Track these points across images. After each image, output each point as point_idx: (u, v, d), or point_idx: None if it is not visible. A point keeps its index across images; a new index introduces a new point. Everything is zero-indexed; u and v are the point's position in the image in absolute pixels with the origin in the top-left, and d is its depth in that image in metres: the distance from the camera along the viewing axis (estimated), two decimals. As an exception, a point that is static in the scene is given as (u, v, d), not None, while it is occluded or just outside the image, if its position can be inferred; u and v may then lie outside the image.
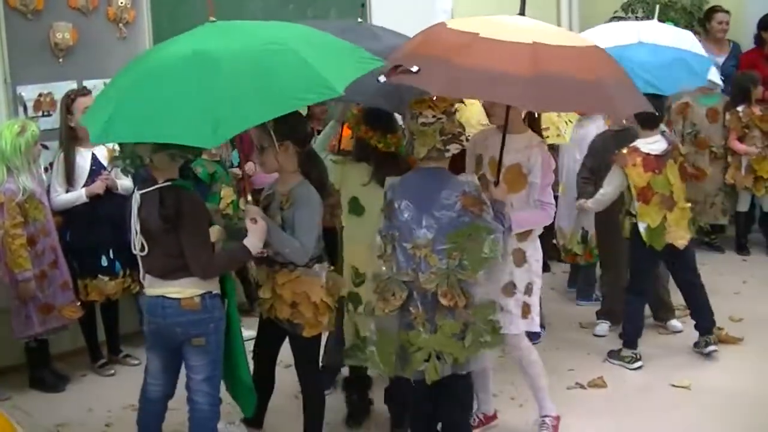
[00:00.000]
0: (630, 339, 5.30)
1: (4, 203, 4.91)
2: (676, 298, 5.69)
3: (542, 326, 4.99)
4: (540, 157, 4.10)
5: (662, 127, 5.32)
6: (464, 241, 3.61)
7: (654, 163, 5.06)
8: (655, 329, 5.69)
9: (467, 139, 3.75)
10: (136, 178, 4.10)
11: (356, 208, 4.28)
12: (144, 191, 3.70)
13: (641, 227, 5.08)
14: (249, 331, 5.92)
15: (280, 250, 3.90)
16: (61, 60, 5.54)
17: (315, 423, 4.25)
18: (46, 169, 5.34)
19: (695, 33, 7.77)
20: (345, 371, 4.76)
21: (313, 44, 3.60)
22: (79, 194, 5.24)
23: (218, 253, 3.83)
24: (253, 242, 3.76)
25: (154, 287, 3.77)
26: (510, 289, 4.15)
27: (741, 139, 7.18)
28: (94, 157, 5.28)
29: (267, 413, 4.40)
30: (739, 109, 7.16)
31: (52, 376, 5.39)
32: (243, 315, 6.22)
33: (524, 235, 4.15)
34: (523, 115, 4.20)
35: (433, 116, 3.66)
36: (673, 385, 4.96)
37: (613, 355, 5.33)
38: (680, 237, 5.13)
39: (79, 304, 5.27)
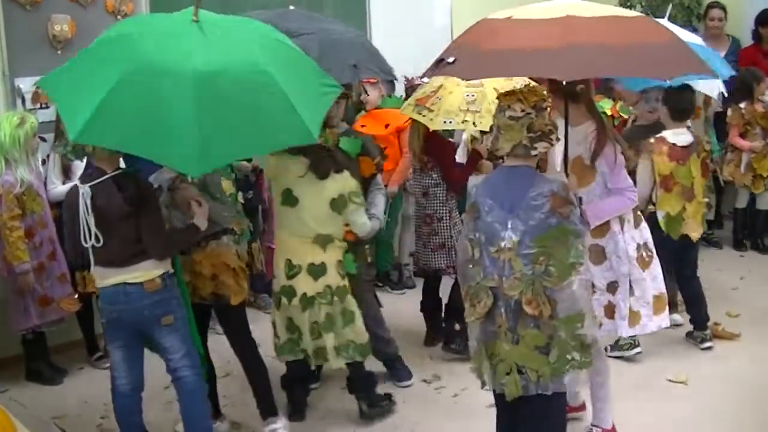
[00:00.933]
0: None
1: (2, 195, 4.92)
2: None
3: None
4: (599, 149, 3.95)
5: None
6: (552, 245, 3.34)
7: (679, 153, 5.17)
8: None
9: (558, 139, 3.51)
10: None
11: (290, 199, 4.32)
12: (94, 183, 3.75)
13: (660, 215, 5.18)
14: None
15: (218, 219, 4.10)
16: (59, 52, 5.54)
17: (265, 386, 4.40)
18: (43, 162, 5.34)
19: (694, 30, 7.81)
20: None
21: (291, 73, 3.56)
22: (76, 186, 5.23)
23: (172, 234, 3.96)
24: (202, 221, 3.96)
25: (111, 277, 3.82)
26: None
27: (742, 136, 7.15)
28: (91, 149, 5.26)
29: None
30: (742, 105, 7.12)
31: (49, 368, 5.39)
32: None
33: (601, 231, 4.00)
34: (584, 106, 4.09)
35: (522, 110, 3.39)
36: (670, 380, 4.96)
37: (611, 350, 5.33)
38: (694, 230, 5.25)
39: (76, 296, 5.26)
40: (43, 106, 5.50)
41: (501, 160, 3.71)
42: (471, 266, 3.51)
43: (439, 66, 3.79)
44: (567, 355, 3.37)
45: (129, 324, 3.89)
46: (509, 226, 3.38)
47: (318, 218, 4.31)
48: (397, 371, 5.02)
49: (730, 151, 7.23)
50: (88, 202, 3.73)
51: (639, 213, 4.21)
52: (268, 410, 4.44)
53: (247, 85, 3.36)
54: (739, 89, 7.12)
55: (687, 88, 5.31)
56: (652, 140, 5.22)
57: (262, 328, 4.74)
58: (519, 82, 4.59)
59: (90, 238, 3.75)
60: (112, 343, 3.99)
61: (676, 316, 5.79)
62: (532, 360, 3.37)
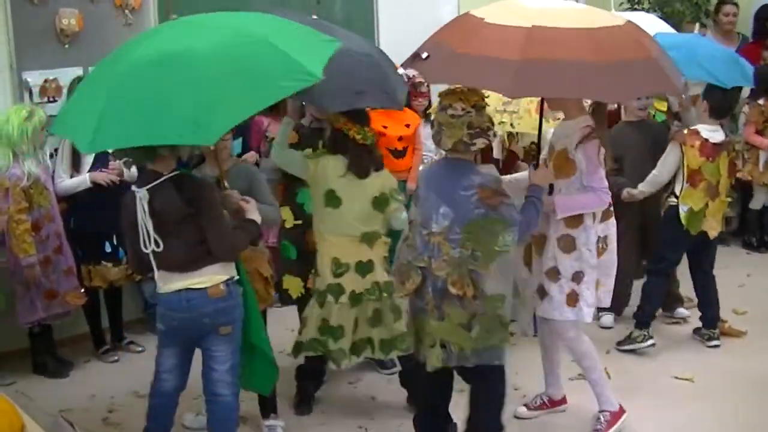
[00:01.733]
0: (645, 319, 5.34)
1: (9, 188, 4.92)
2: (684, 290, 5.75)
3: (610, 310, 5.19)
4: (580, 140, 4.07)
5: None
6: (478, 232, 3.61)
7: (710, 150, 5.12)
8: (659, 322, 5.66)
9: (495, 135, 3.75)
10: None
11: (333, 200, 4.29)
12: (151, 185, 3.64)
13: (682, 209, 5.15)
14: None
15: (265, 216, 4.07)
16: (66, 46, 5.53)
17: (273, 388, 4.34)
18: (51, 156, 5.34)
19: (703, 26, 7.77)
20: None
21: (280, 32, 3.60)
22: (83, 179, 5.24)
23: (235, 232, 3.83)
24: (256, 215, 3.92)
25: (173, 282, 3.71)
26: (554, 274, 4.15)
27: (759, 133, 7.09)
28: (99, 143, 5.27)
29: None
30: (761, 102, 7.06)
31: (56, 361, 5.40)
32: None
33: (575, 222, 4.11)
34: (588, 103, 4.23)
35: (463, 109, 3.64)
36: (676, 378, 4.96)
37: (622, 342, 5.35)
38: (713, 227, 5.22)
39: (82, 290, 5.28)
40: (51, 99, 5.49)
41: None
42: (406, 246, 3.82)
43: (415, 60, 3.86)
44: (487, 332, 3.66)
45: (187, 332, 3.79)
46: (441, 212, 3.67)
47: (361, 217, 4.31)
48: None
49: (746, 149, 7.11)
50: (146, 206, 3.62)
51: (611, 209, 4.27)
52: (269, 408, 4.46)
53: (228, 51, 3.39)
54: (758, 86, 7.03)
55: (734, 88, 5.27)
56: (685, 131, 5.19)
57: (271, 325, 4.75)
58: None
59: (150, 244, 3.64)
60: (166, 349, 3.88)
61: (682, 310, 5.81)
62: (454, 335, 3.66)
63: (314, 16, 4.64)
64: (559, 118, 4.53)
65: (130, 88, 3.37)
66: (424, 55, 3.74)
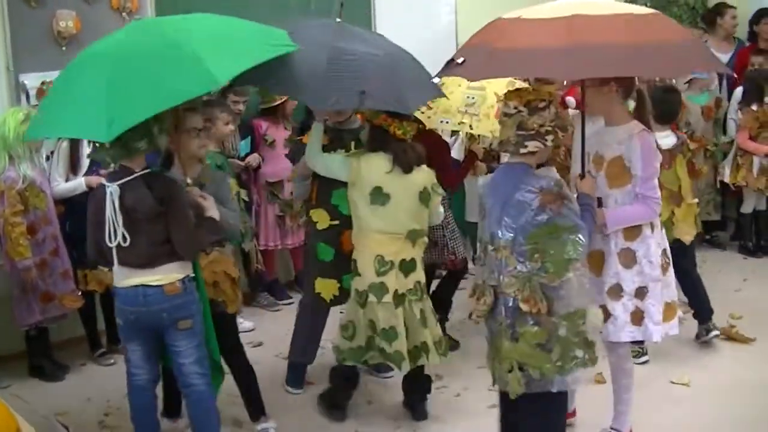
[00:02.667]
0: None
1: (4, 191, 4.91)
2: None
3: None
4: (640, 146, 3.82)
5: None
6: (545, 241, 3.37)
7: (665, 158, 5.01)
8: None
9: (553, 140, 3.51)
10: None
11: (379, 197, 4.28)
12: (123, 181, 3.69)
13: None
14: (248, 322, 5.98)
15: (224, 218, 4.02)
16: (64, 48, 5.52)
17: (255, 389, 4.41)
18: (47, 158, 5.33)
19: (700, 30, 7.77)
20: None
21: (215, 36, 3.73)
22: (79, 183, 5.24)
23: (198, 231, 3.88)
24: (214, 211, 3.94)
25: (131, 277, 3.77)
26: (616, 291, 3.89)
27: (753, 139, 7.08)
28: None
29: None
30: (754, 107, 7.06)
31: (52, 364, 5.39)
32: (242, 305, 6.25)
33: (634, 234, 3.88)
34: (631, 107, 4.08)
35: (515, 107, 3.47)
36: (673, 382, 4.95)
37: None
38: (687, 233, 5.19)
39: (79, 293, 5.26)
40: (48, 102, 5.50)
41: (497, 162, 3.75)
42: (480, 265, 3.60)
43: (450, 66, 3.80)
44: (570, 352, 3.39)
45: (146, 326, 3.84)
46: (503, 223, 3.45)
47: (410, 212, 4.31)
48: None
49: (739, 155, 7.07)
50: (116, 201, 3.68)
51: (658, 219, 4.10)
52: (258, 411, 4.45)
53: (147, 52, 3.59)
54: (750, 90, 7.05)
55: (674, 90, 5.26)
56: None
57: (264, 327, 4.74)
58: (520, 84, 4.61)
59: (115, 238, 3.70)
60: (130, 343, 3.93)
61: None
62: (533, 357, 3.40)
63: (338, 19, 4.56)
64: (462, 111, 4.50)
65: (65, 83, 3.70)
66: (460, 60, 3.64)
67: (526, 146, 3.45)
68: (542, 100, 3.47)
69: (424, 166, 4.38)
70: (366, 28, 7.06)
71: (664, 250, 4.04)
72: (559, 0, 3.73)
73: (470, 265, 5.96)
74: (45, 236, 5.09)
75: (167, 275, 3.76)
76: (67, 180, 5.27)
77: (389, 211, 4.28)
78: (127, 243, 3.70)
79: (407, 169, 4.29)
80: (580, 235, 3.40)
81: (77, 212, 5.26)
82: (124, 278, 3.79)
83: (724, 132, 7.37)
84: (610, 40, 3.41)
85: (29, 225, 4.99)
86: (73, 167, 5.27)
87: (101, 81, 3.48)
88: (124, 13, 5.76)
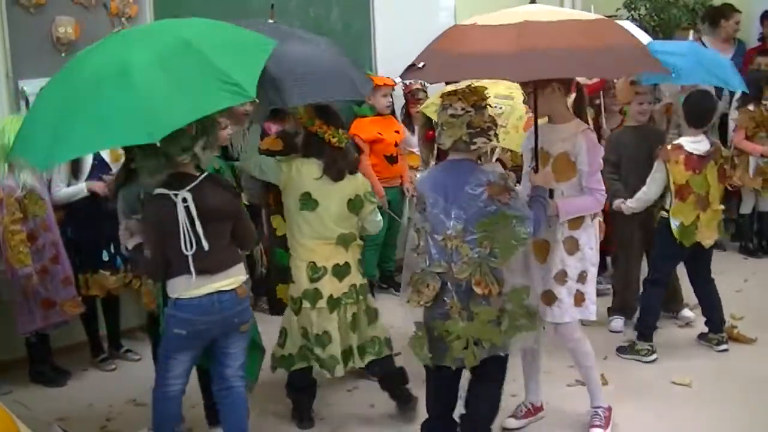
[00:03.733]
0: (647, 331, 5.34)
1: (3, 199, 4.91)
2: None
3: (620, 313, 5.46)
4: (585, 143, 4.10)
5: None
6: (493, 229, 3.66)
7: (695, 162, 5.10)
8: (660, 325, 5.64)
9: (496, 135, 3.82)
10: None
11: (309, 203, 4.32)
12: (191, 186, 3.62)
13: (674, 224, 5.14)
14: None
15: None
16: (63, 54, 5.52)
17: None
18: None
19: (698, 31, 7.78)
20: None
21: (226, 45, 3.63)
22: (80, 188, 5.25)
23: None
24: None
25: (206, 285, 3.68)
26: (561, 277, 4.17)
27: (749, 138, 7.10)
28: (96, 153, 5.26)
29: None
30: (751, 107, 7.07)
31: (53, 370, 5.39)
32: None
33: (577, 223, 4.15)
34: (570, 106, 4.26)
35: (462, 108, 3.70)
36: (674, 383, 4.95)
37: (624, 350, 5.36)
38: (708, 237, 5.20)
39: (80, 299, 5.27)
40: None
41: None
42: (416, 255, 3.85)
43: (411, 70, 3.90)
44: (516, 322, 3.76)
45: (212, 334, 3.77)
46: (453, 215, 3.71)
47: (338, 219, 4.35)
48: None
49: (735, 155, 7.09)
50: (192, 207, 3.59)
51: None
52: (214, 417, 4.29)
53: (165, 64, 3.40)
54: (749, 91, 7.05)
55: (707, 94, 5.27)
56: (669, 146, 5.17)
57: (265, 332, 4.73)
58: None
59: (192, 245, 3.61)
60: (182, 353, 3.80)
61: (687, 312, 5.86)
62: (486, 332, 3.72)
63: (270, 20, 4.61)
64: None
65: (77, 101, 3.35)
66: (420, 64, 3.80)
67: (475, 143, 3.73)
68: (483, 99, 3.76)
69: (358, 175, 4.42)
70: (365, 37, 7.12)
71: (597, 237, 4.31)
72: (512, 8, 3.97)
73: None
74: (45, 243, 5.09)
75: (237, 278, 3.76)
76: (68, 185, 5.27)
77: (318, 217, 4.32)
78: (206, 249, 3.63)
79: (338, 177, 4.31)
80: (527, 223, 3.69)
81: (78, 217, 5.30)
82: (198, 287, 3.68)
83: (720, 136, 7.36)
84: (555, 45, 3.60)
85: (29, 232, 4.99)
86: (75, 172, 5.27)
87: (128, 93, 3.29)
88: (123, 19, 5.77)
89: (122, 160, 4.44)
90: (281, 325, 4.52)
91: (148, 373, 3.99)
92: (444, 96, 3.81)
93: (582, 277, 4.20)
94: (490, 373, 3.87)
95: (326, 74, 4.17)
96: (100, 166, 5.27)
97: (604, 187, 4.20)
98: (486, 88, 3.84)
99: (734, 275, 6.71)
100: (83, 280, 5.32)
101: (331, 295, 4.34)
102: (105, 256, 5.33)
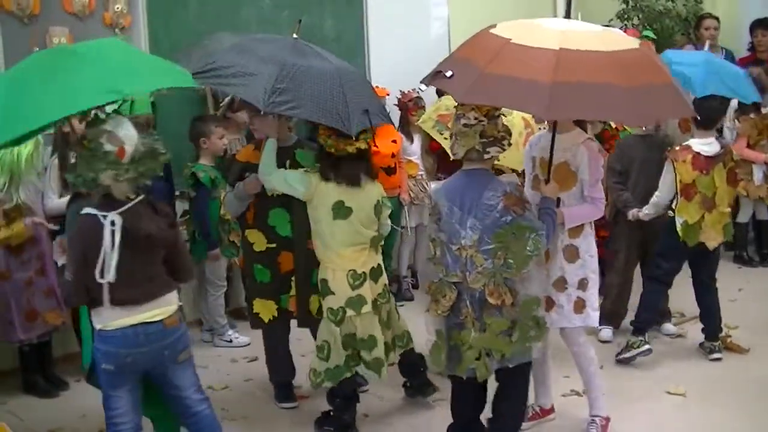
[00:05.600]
0: (641, 326, 5.38)
1: None
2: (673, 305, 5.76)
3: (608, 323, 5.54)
4: (586, 153, 4.15)
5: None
6: (508, 240, 3.68)
7: (703, 163, 5.14)
8: (653, 336, 5.65)
9: (510, 144, 3.83)
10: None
11: (342, 210, 4.34)
12: (122, 209, 3.41)
13: (678, 222, 5.18)
14: (243, 337, 5.97)
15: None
16: (57, 65, 5.52)
17: None
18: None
19: (689, 41, 7.82)
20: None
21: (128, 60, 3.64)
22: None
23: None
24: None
25: (127, 317, 3.45)
26: (561, 284, 4.22)
27: (751, 147, 7.09)
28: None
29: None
30: (752, 115, 7.07)
31: (46, 381, 5.36)
32: (237, 320, 6.25)
33: (577, 231, 4.21)
34: None
35: (475, 118, 3.72)
36: (669, 393, 4.95)
37: (621, 352, 5.37)
38: (712, 238, 5.22)
39: (62, 310, 5.18)
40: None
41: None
42: (433, 264, 3.89)
43: (437, 77, 3.88)
44: (526, 333, 3.77)
45: (142, 367, 3.54)
46: (468, 225, 3.73)
47: (368, 223, 4.42)
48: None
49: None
50: (118, 231, 3.37)
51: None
52: None
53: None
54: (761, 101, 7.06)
55: (715, 97, 5.30)
56: (677, 148, 5.21)
57: (259, 343, 4.75)
58: None
59: (109, 273, 3.37)
60: (117, 390, 3.55)
61: (669, 326, 5.86)
62: (497, 344, 3.74)
63: (294, 36, 4.60)
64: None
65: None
66: (449, 73, 3.76)
67: (488, 152, 3.74)
68: (496, 109, 3.77)
69: (375, 181, 4.51)
70: (358, 46, 7.12)
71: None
72: (547, 21, 3.91)
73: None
74: (31, 256, 5.08)
75: (166, 308, 3.52)
76: (60, 196, 5.23)
77: (351, 224, 4.36)
78: (122, 278, 3.39)
79: (360, 183, 4.38)
80: (540, 234, 3.71)
81: (72, 228, 5.27)
82: (117, 318, 3.45)
83: None
84: (593, 81, 3.56)
85: (16, 245, 4.98)
86: (66, 183, 5.25)
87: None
88: (116, 30, 5.78)
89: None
90: (320, 339, 4.45)
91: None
92: (457, 106, 3.81)
93: (583, 284, 4.24)
94: (513, 386, 3.92)
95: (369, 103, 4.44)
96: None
97: (603, 195, 4.25)
98: None
99: (729, 284, 6.68)
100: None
101: (374, 300, 4.41)
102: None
